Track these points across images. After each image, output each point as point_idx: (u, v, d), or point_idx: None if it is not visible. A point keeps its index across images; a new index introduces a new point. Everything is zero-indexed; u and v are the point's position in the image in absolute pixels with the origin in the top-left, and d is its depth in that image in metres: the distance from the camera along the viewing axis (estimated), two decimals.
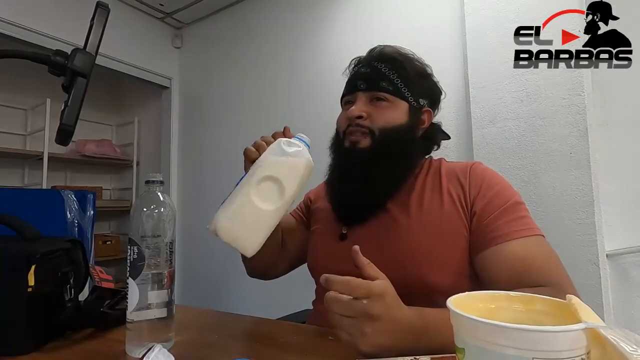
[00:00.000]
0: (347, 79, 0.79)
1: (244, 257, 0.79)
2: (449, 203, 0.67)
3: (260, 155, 0.62)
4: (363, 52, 0.80)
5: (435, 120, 0.80)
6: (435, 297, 0.62)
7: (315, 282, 0.81)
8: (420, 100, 0.75)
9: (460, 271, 0.64)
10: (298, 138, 0.63)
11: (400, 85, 0.72)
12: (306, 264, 0.84)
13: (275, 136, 0.66)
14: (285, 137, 0.65)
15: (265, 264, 0.83)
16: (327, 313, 0.47)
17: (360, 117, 0.72)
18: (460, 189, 0.68)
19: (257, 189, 0.57)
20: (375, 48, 0.78)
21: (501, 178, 0.69)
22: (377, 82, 0.72)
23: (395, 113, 0.72)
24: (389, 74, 0.73)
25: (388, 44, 0.78)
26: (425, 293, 0.62)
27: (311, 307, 0.81)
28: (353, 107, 0.73)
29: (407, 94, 0.73)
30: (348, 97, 0.77)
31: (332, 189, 0.79)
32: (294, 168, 0.59)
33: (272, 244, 0.77)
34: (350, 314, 0.45)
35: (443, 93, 0.81)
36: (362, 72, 0.75)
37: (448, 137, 0.85)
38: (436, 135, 0.79)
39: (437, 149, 0.81)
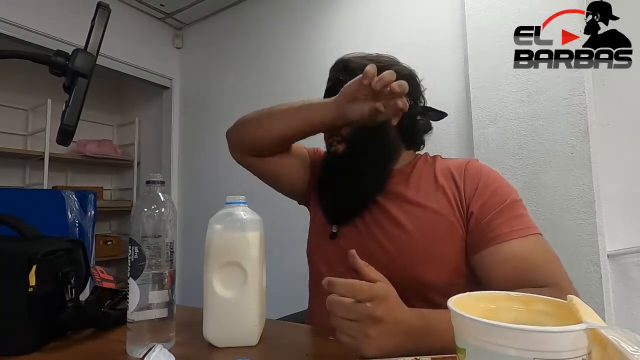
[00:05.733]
0: None
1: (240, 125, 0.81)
2: (443, 201, 0.67)
3: None
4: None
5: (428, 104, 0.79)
6: (430, 295, 0.62)
7: (309, 272, 0.82)
8: None
9: (455, 269, 0.64)
10: (229, 203, 0.58)
11: None
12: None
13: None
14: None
15: (265, 150, 0.79)
16: (322, 306, 0.47)
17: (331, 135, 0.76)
18: (455, 188, 0.67)
19: (219, 281, 0.54)
20: (339, 61, 0.78)
21: (498, 175, 0.69)
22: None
23: None
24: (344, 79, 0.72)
25: (350, 53, 0.79)
26: (419, 290, 0.62)
27: None
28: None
29: None
30: None
31: (318, 194, 0.81)
32: (239, 241, 0.55)
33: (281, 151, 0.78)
34: (353, 317, 0.44)
35: (418, 76, 0.78)
36: (328, 88, 0.79)
37: (444, 114, 0.79)
38: (416, 117, 0.76)
39: (430, 133, 0.80)
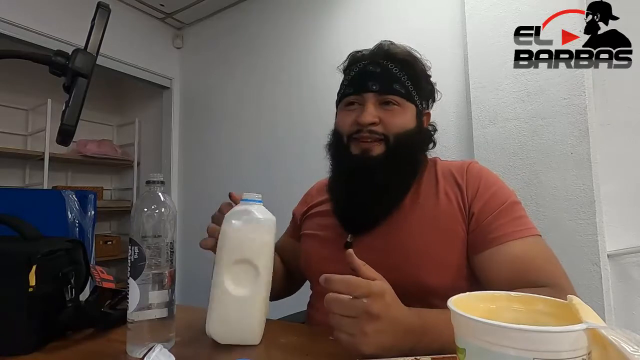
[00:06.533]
0: (350, 76, 0.73)
1: None
2: (445, 203, 0.66)
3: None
4: None
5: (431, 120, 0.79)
6: (432, 300, 0.62)
7: (311, 287, 0.80)
8: (424, 102, 0.74)
9: (457, 272, 0.64)
10: (246, 200, 0.58)
11: (411, 88, 0.70)
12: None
13: (222, 210, 0.64)
14: (233, 203, 0.63)
15: (279, 293, 0.85)
16: (322, 321, 0.46)
17: (373, 123, 0.67)
18: (458, 189, 0.67)
19: (230, 277, 0.54)
20: (382, 45, 0.73)
21: (497, 178, 0.69)
22: (390, 85, 0.68)
23: (406, 117, 0.69)
24: (401, 75, 0.69)
25: (392, 42, 0.74)
26: (421, 295, 0.61)
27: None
28: (365, 113, 0.67)
29: (416, 98, 0.71)
30: (354, 97, 0.71)
31: (338, 197, 0.74)
32: (253, 240, 0.55)
33: (275, 283, 0.79)
34: (350, 313, 0.45)
35: (439, 95, 0.79)
36: (372, 72, 0.69)
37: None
38: (431, 136, 0.78)
39: (433, 147, 0.79)
